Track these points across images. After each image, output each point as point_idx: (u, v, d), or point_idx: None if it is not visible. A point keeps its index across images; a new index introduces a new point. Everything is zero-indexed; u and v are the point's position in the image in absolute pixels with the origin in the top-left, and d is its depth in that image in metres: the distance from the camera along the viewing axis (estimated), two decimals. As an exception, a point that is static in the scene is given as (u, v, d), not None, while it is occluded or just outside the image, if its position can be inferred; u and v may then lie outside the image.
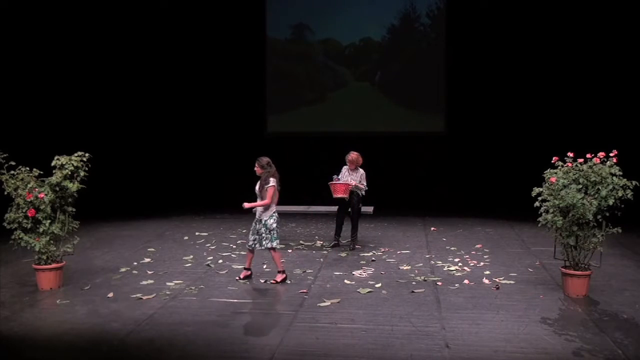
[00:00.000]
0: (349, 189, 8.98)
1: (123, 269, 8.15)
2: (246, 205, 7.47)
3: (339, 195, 8.97)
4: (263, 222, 7.44)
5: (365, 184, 9.17)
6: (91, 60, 13.09)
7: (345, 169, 9.20)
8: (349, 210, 9.27)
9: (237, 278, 7.61)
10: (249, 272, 7.69)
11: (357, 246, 9.36)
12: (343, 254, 8.97)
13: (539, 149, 9.23)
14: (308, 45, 14.16)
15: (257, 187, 7.55)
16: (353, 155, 9.13)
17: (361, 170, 9.19)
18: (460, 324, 5.96)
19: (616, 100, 12.23)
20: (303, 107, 14.19)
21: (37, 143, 10.50)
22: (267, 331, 5.85)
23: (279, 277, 7.50)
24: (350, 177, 9.08)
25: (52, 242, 7.19)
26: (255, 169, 7.55)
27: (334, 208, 9.54)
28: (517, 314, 6.25)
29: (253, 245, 7.51)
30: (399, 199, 12.70)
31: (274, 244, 7.46)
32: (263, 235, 7.44)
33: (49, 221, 7.10)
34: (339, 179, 9.05)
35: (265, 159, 7.52)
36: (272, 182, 7.42)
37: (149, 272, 7.97)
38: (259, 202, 7.48)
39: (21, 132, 11.14)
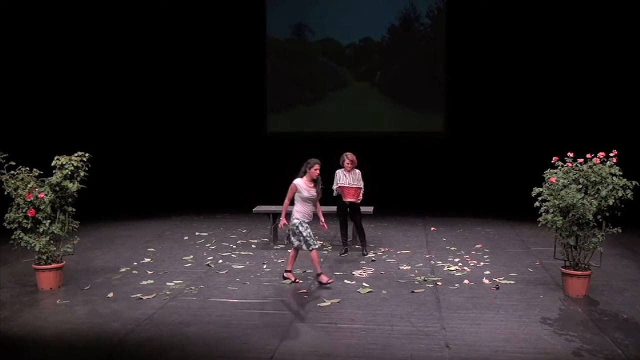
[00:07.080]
0: (359, 192, 8.82)
1: (123, 269, 8.15)
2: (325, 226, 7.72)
3: (350, 200, 8.80)
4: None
5: (362, 183, 9.02)
6: (91, 60, 13.09)
7: (340, 172, 8.94)
8: (348, 210, 9.16)
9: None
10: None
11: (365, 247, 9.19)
12: (343, 254, 8.95)
13: (539, 149, 9.23)
14: (308, 45, 14.16)
15: (313, 189, 7.46)
16: (352, 155, 8.96)
17: (357, 170, 9.05)
18: (460, 324, 5.96)
19: (616, 100, 12.22)
20: (303, 107, 14.19)
21: (37, 143, 10.50)
22: (267, 331, 5.85)
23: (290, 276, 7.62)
24: (348, 179, 8.89)
25: (52, 242, 7.20)
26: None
27: (334, 208, 9.43)
28: (517, 314, 6.25)
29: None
30: (399, 199, 12.69)
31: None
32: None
33: (49, 221, 7.10)
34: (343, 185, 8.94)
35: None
36: None
37: (149, 272, 7.97)
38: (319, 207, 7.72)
39: (21, 132, 11.14)
